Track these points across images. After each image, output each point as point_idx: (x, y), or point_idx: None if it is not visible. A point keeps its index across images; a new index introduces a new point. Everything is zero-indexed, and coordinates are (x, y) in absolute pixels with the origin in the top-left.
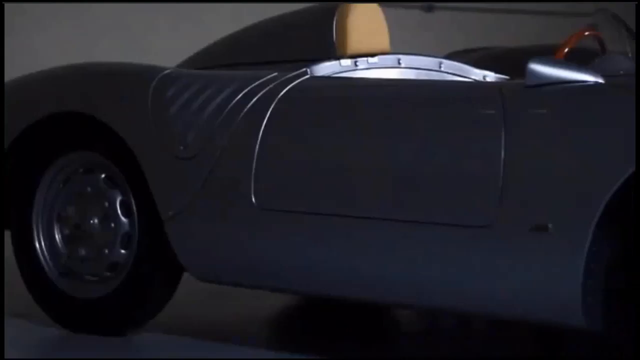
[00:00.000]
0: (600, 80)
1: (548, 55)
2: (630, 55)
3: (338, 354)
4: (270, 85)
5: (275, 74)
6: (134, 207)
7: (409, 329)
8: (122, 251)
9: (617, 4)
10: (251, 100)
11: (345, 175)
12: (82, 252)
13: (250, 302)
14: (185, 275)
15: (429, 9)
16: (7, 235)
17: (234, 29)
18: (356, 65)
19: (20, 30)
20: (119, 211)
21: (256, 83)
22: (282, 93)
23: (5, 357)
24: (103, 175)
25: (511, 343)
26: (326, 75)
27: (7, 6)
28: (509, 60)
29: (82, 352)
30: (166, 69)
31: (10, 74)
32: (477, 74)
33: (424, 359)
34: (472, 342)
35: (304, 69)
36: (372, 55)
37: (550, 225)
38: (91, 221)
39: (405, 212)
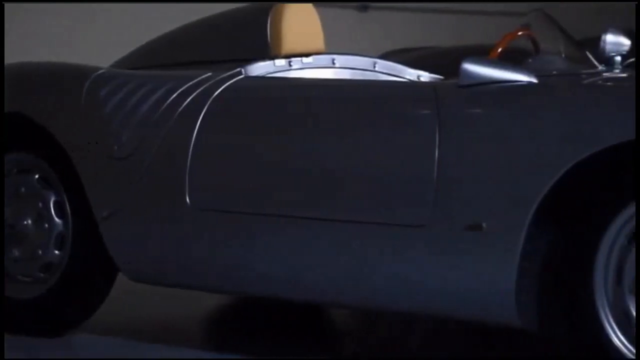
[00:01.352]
0: (534, 80)
1: (482, 55)
2: (563, 55)
3: (272, 354)
4: (205, 85)
5: (210, 73)
6: (68, 208)
7: (347, 329)
8: (56, 252)
9: (554, 4)
10: (186, 100)
11: (281, 176)
12: (16, 252)
13: (187, 302)
14: (121, 275)
15: (364, 9)
16: None
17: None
18: (290, 65)
19: None
20: (52, 212)
21: (191, 83)
22: (216, 93)
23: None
24: (37, 176)
25: (451, 341)
26: (260, 75)
27: None
28: (444, 60)
29: (14, 353)
30: (100, 68)
31: None
32: (412, 74)
33: (363, 358)
34: (411, 341)
35: (239, 69)
36: (307, 55)
37: (484, 225)
38: (25, 222)
39: (341, 212)
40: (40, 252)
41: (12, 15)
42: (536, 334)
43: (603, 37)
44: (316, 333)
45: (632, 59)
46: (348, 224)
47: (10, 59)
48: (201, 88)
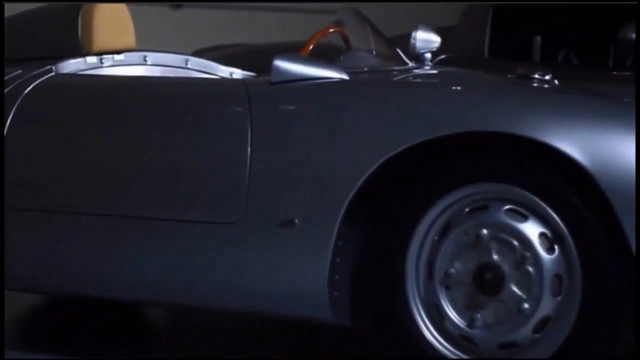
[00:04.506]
0: (345, 77)
1: (294, 52)
2: (374, 52)
3: (85, 354)
4: (15, 83)
5: (20, 71)
6: None
7: (159, 327)
8: None
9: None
10: None
11: (95, 174)
12: None
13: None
14: None
15: (177, 7)
16: None
17: None
18: (102, 62)
19: None
20: None
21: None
22: (26, 90)
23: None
24: None
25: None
26: (71, 72)
27: None
28: (257, 57)
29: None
30: None
31: None
32: (224, 71)
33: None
34: (224, 339)
35: (49, 67)
36: (118, 52)
37: (297, 221)
38: None
39: (156, 210)
40: None
41: None
42: (349, 328)
43: (413, 34)
44: (130, 332)
45: (443, 56)
46: (162, 222)
47: None
48: (11, 86)
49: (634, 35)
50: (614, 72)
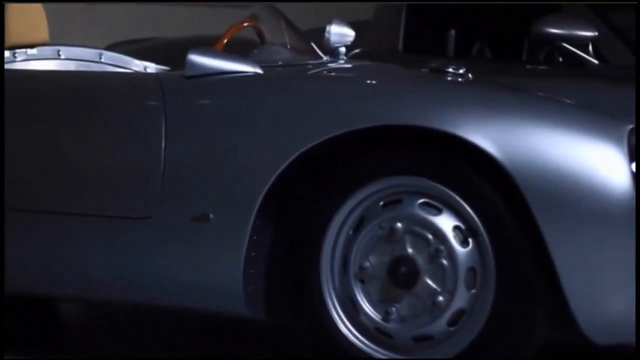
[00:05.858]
0: (259, 71)
1: (209, 46)
2: (288, 46)
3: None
4: None
5: None
6: None
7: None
8: None
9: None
10: None
11: (9, 169)
12: None
13: None
14: None
15: (91, 2)
16: None
17: None
18: (15, 57)
19: None
20: None
21: None
22: None
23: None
24: None
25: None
26: None
27: None
28: (171, 51)
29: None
30: None
31: None
32: (138, 65)
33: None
34: (141, 336)
35: None
36: (31, 46)
37: (211, 215)
38: None
39: (71, 205)
40: None
41: None
42: (265, 322)
43: (328, 28)
44: (42, 330)
45: (357, 50)
46: (77, 217)
47: None
48: None
49: (547, 29)
50: (528, 66)
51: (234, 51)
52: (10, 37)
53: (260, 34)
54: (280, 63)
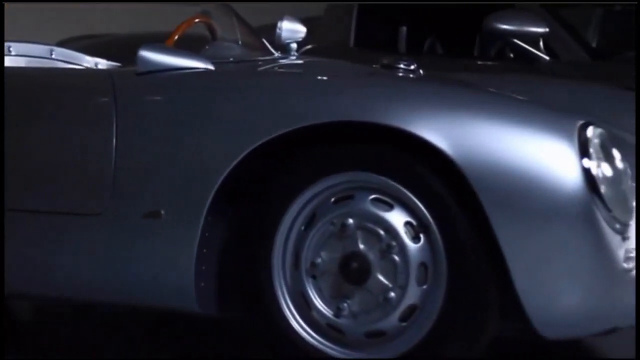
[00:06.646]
0: (210, 67)
1: (160, 42)
2: (240, 42)
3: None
4: None
5: None
6: None
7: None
8: None
9: None
10: None
11: None
12: None
13: None
14: None
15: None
16: None
17: None
18: None
19: None
20: None
21: None
22: None
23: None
24: None
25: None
26: None
27: None
28: (123, 47)
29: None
30: None
31: None
32: (89, 61)
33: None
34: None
35: None
36: None
37: (163, 212)
38: None
39: (23, 202)
40: None
41: None
42: (216, 318)
43: (279, 24)
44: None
45: (309, 46)
46: (28, 214)
47: None
48: None
49: (498, 25)
50: (479, 62)
51: (185, 47)
52: None
53: (211, 30)
54: (231, 59)
